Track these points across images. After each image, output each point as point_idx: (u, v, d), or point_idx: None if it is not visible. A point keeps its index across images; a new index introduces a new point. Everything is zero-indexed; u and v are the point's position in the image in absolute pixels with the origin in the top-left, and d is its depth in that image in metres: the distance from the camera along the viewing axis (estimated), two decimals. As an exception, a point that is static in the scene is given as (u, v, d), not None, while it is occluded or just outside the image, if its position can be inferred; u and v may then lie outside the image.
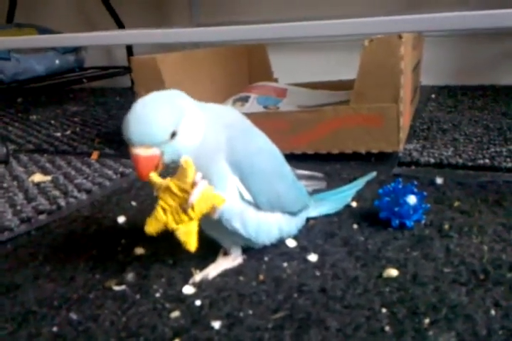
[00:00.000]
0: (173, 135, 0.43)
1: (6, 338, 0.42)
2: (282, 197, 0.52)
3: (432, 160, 0.81)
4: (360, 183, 0.69)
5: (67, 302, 0.47)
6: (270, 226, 0.52)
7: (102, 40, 0.93)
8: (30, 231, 0.65)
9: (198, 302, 0.46)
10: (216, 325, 0.42)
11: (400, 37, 0.75)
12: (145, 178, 0.44)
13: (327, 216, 0.63)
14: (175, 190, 0.42)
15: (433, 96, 1.42)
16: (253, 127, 0.52)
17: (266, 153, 0.52)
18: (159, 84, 0.92)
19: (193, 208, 0.42)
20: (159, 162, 0.44)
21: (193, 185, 0.43)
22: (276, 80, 1.38)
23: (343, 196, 0.66)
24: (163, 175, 0.45)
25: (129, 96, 1.82)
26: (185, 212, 0.43)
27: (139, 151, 0.43)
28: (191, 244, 0.43)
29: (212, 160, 0.46)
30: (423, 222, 0.59)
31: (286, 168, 0.54)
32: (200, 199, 0.43)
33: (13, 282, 0.51)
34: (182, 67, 1.03)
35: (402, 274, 0.48)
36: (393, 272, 0.48)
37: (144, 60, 0.92)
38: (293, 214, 0.55)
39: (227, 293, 0.47)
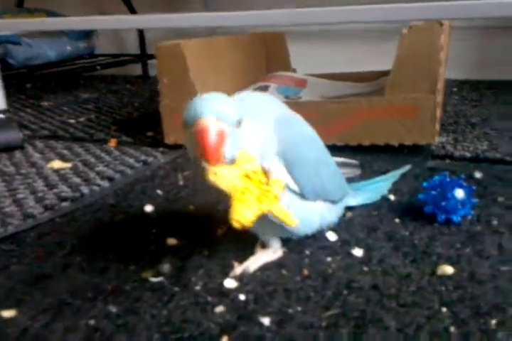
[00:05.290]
0: (239, 123, 0.41)
1: (41, 331, 0.40)
2: (327, 186, 0.49)
3: (468, 154, 0.78)
4: (395, 175, 0.66)
5: (102, 293, 0.44)
6: (312, 216, 0.49)
7: (116, 24, 0.90)
8: (54, 219, 0.62)
9: (242, 297, 0.43)
10: (265, 321, 0.39)
11: (441, 24, 0.72)
12: (215, 156, 0.39)
13: (365, 209, 0.60)
14: (250, 173, 0.40)
15: (455, 89, 1.39)
16: (294, 114, 0.50)
17: (310, 140, 0.49)
18: (183, 71, 0.89)
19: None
20: (223, 147, 0.40)
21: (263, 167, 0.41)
22: (294, 70, 1.35)
23: (379, 186, 0.64)
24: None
25: (140, 85, 1.79)
26: (267, 192, 0.41)
27: (211, 122, 0.39)
28: (292, 219, 0.41)
29: (264, 152, 0.43)
30: (469, 217, 0.56)
31: (329, 154, 0.52)
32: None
33: (42, 272, 0.49)
34: (203, 54, 0.99)
35: (457, 272, 0.45)
36: (448, 269, 0.45)
37: (169, 46, 0.89)
38: (333, 202, 0.52)
39: (272, 287, 0.44)
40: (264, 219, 0.45)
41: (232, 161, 0.40)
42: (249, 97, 0.48)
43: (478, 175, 0.70)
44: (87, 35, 1.87)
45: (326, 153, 0.52)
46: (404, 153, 0.81)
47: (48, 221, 0.61)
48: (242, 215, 0.39)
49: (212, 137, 0.39)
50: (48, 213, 0.63)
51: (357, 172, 0.60)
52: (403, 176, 0.68)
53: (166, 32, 1.80)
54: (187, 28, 0.87)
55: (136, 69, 1.95)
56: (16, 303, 0.44)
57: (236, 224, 0.39)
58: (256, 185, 0.40)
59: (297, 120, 0.49)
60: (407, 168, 0.68)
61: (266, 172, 0.41)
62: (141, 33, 1.87)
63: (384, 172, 0.68)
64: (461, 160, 0.77)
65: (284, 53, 1.33)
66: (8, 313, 0.42)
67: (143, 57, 1.88)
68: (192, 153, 0.43)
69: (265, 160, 0.43)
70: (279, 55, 1.34)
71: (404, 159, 0.77)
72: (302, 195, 0.47)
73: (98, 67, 1.57)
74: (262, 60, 1.34)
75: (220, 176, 0.39)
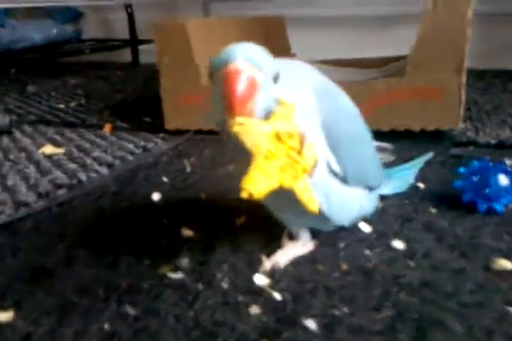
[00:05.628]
0: (276, 79, 0.34)
1: (47, 335, 0.33)
2: (367, 169, 0.44)
3: (493, 141, 0.73)
4: (418, 163, 0.62)
5: (115, 291, 0.38)
6: (352, 204, 0.44)
7: None
8: (50, 208, 0.55)
9: (277, 296, 0.38)
10: (310, 325, 0.34)
11: (468, -2, 0.67)
12: (240, 107, 0.32)
13: (396, 198, 0.55)
14: (283, 134, 0.33)
15: (460, 78, 1.34)
16: (334, 83, 0.44)
17: (352, 115, 0.43)
18: (185, 52, 0.82)
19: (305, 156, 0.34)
20: (252, 99, 0.33)
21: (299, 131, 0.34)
22: (294, 55, 1.29)
23: (406, 174, 0.59)
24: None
25: (130, 71, 1.71)
26: (296, 162, 0.33)
27: (243, 66, 0.32)
28: (315, 203, 0.34)
29: (305, 120, 0.37)
30: (511, 205, 0.52)
31: (369, 133, 0.46)
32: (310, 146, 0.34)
33: (43, 266, 0.42)
34: (202, 35, 0.93)
35: (515, 266, 0.40)
36: (505, 264, 0.41)
37: (171, 24, 0.82)
38: (370, 189, 0.47)
39: (310, 285, 0.39)
40: (292, 207, 0.39)
41: (265, 117, 0.34)
42: (283, 62, 0.41)
43: (508, 161, 0.65)
44: (74, 18, 1.78)
45: (367, 130, 0.46)
46: (424, 139, 0.76)
47: (43, 209, 0.55)
48: (256, 186, 0.32)
49: (242, 82, 0.32)
50: (43, 201, 0.57)
51: (391, 157, 0.55)
52: (427, 164, 0.63)
53: (157, 17, 1.73)
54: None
55: (126, 56, 1.87)
56: (13, 304, 0.37)
57: (245, 195, 0.32)
58: (285, 151, 0.33)
59: (339, 91, 0.43)
60: (429, 155, 0.63)
61: (301, 138, 0.34)
62: (130, 17, 1.78)
63: (407, 160, 0.63)
64: (485, 147, 0.73)
65: (284, 38, 1.28)
66: (4, 316, 0.36)
67: (133, 42, 1.79)
68: (219, 112, 0.35)
69: (306, 129, 0.36)
70: (279, 39, 1.28)
71: (425, 146, 0.72)
72: (343, 179, 0.41)
73: (87, 51, 1.48)
74: (261, 44, 1.28)
75: (247, 129, 0.32)
